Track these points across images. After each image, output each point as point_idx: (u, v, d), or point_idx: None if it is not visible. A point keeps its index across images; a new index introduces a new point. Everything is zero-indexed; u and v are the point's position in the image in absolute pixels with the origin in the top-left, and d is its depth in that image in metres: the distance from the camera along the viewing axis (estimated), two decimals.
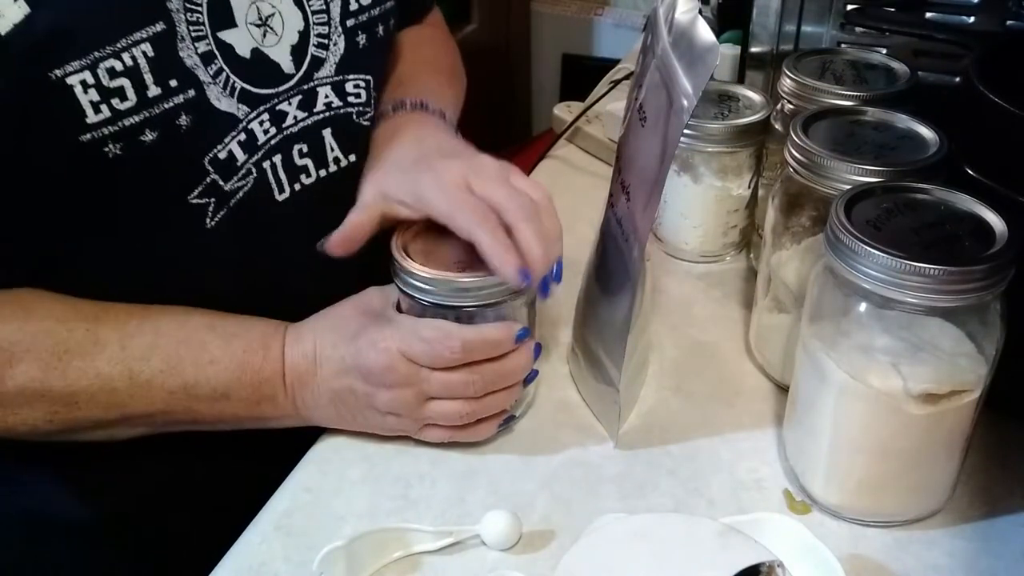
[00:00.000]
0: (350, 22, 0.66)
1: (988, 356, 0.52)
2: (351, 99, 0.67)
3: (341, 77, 0.66)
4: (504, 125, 2.09)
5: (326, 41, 0.65)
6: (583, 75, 1.52)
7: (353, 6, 0.66)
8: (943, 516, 0.58)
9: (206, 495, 0.71)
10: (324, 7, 0.64)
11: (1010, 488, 0.60)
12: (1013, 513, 0.58)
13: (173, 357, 0.60)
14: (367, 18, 0.67)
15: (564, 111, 1.07)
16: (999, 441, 0.62)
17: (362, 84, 0.68)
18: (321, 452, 0.64)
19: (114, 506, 0.70)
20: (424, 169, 0.61)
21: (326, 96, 0.66)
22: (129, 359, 0.59)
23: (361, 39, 0.67)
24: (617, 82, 1.11)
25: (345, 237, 0.62)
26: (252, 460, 0.66)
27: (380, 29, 0.69)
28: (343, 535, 0.54)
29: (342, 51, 0.66)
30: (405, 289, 0.60)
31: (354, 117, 0.68)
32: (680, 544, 0.47)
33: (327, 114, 0.66)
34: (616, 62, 1.24)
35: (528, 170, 1.00)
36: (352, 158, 0.68)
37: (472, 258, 0.59)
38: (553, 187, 0.95)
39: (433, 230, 0.61)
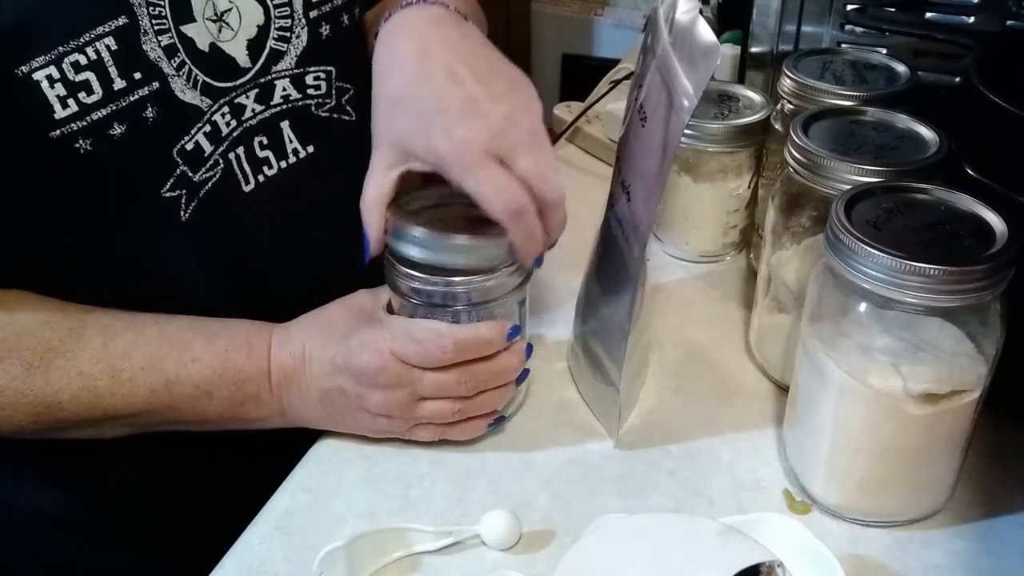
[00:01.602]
0: (313, 13, 0.66)
1: (988, 356, 0.52)
2: (310, 91, 0.67)
3: (301, 70, 0.66)
4: None
5: (288, 34, 0.65)
6: (583, 75, 1.52)
7: None
8: (943, 516, 0.58)
9: (194, 493, 0.71)
10: (287, 0, 0.64)
11: (1010, 488, 0.60)
12: (1013, 513, 0.58)
13: (155, 355, 0.60)
14: (330, 8, 0.67)
15: (564, 111, 1.07)
16: (999, 441, 0.62)
17: (323, 76, 0.68)
18: (321, 452, 0.64)
19: (102, 501, 0.70)
20: (437, 125, 0.54)
21: (284, 89, 0.66)
22: (111, 357, 0.59)
23: (325, 30, 0.67)
24: (617, 82, 1.11)
25: (373, 226, 0.58)
26: (241, 459, 0.66)
27: (345, 18, 0.68)
28: (343, 535, 0.54)
29: (305, 43, 0.66)
30: (397, 288, 0.60)
31: (312, 109, 0.68)
32: (680, 544, 0.47)
33: (284, 107, 0.66)
34: (616, 62, 1.24)
35: None
36: (311, 149, 0.68)
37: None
38: None
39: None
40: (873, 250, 0.49)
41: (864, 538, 0.57)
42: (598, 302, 0.65)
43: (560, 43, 2.18)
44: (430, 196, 0.61)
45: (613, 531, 0.49)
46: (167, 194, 0.61)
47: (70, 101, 0.54)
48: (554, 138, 1.06)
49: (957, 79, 0.77)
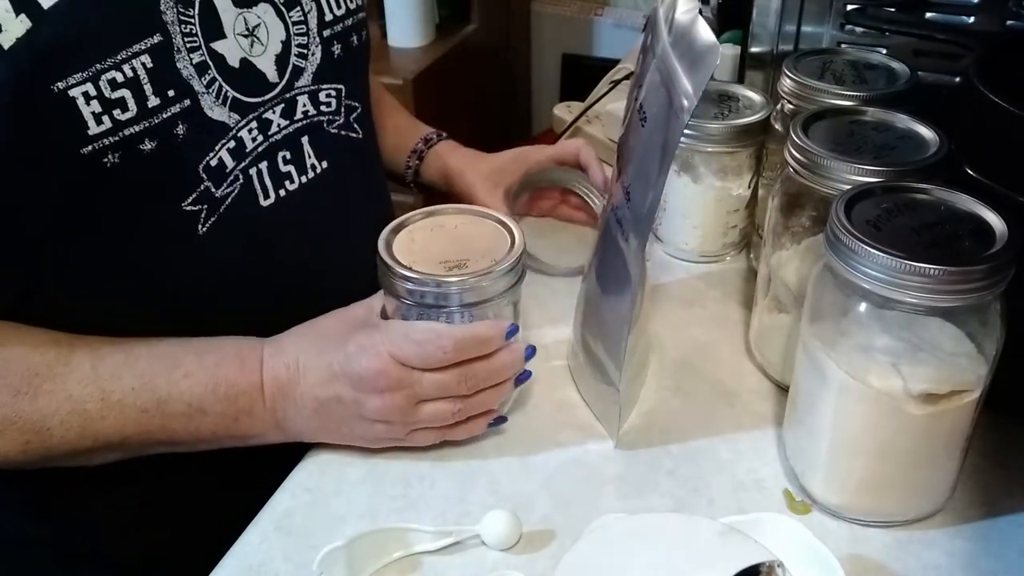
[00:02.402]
0: (326, 32, 0.67)
1: (988, 356, 0.52)
2: (323, 108, 0.68)
3: (316, 86, 0.67)
4: (504, 125, 2.09)
5: (305, 51, 0.66)
6: (583, 75, 1.52)
7: (328, 16, 0.67)
8: (943, 516, 0.58)
9: (184, 515, 0.70)
10: (303, 18, 0.65)
11: (1010, 488, 0.60)
12: (1013, 513, 0.58)
13: (146, 373, 0.59)
14: (341, 28, 0.68)
15: (564, 111, 1.07)
16: (999, 441, 0.62)
17: (333, 93, 0.69)
18: (321, 452, 0.64)
19: (90, 527, 0.69)
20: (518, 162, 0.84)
21: (304, 105, 0.67)
22: (100, 379, 0.58)
23: (336, 49, 0.68)
24: (617, 82, 1.11)
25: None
26: (231, 479, 0.65)
27: (354, 39, 0.70)
28: (343, 535, 0.54)
29: (319, 61, 0.67)
30: (391, 290, 0.60)
31: (325, 125, 0.69)
32: (680, 544, 0.47)
33: (304, 122, 0.67)
34: (616, 62, 1.24)
35: None
36: (325, 164, 0.69)
37: (459, 258, 0.59)
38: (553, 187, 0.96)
39: (419, 231, 0.62)
40: (873, 250, 0.49)
41: (864, 538, 0.57)
42: (598, 302, 0.65)
43: (560, 43, 2.17)
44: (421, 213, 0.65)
45: (613, 531, 0.49)
46: (187, 208, 0.61)
47: (104, 118, 0.54)
48: (554, 138, 1.06)
49: (957, 79, 0.77)
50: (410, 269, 0.58)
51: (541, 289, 0.79)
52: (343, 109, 0.70)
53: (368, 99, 0.75)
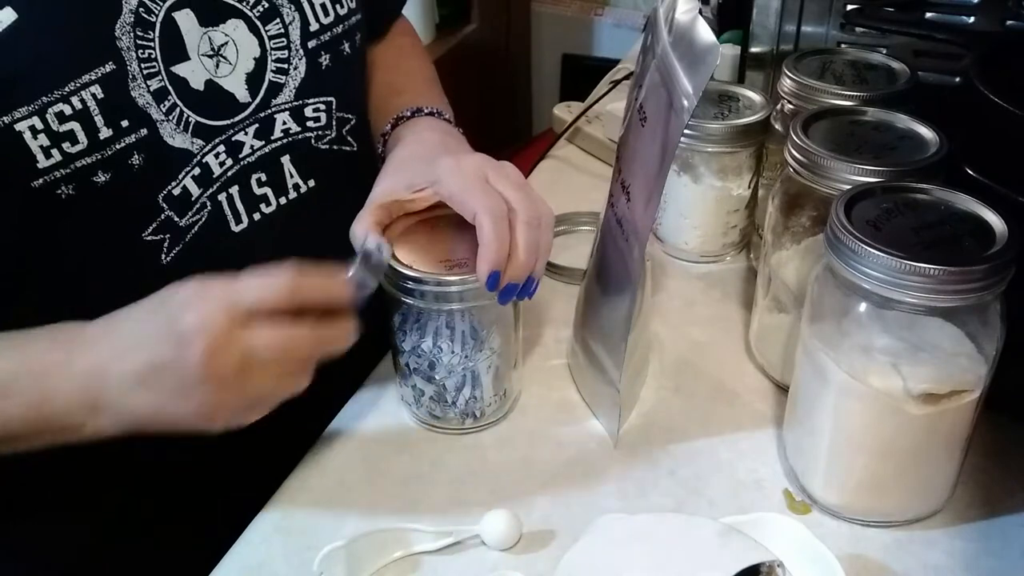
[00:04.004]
0: (311, 43, 0.64)
1: (988, 356, 0.53)
2: (310, 123, 0.66)
3: (301, 102, 0.64)
4: (504, 125, 2.09)
5: (285, 66, 0.63)
6: (583, 75, 1.52)
7: (314, 27, 0.64)
8: (943, 516, 0.58)
9: (152, 551, 0.69)
10: (282, 31, 0.62)
11: (1010, 488, 0.60)
12: (1013, 513, 0.58)
13: None
14: (330, 37, 0.65)
15: (564, 111, 1.07)
16: (999, 441, 0.62)
17: (322, 107, 0.66)
18: (321, 452, 0.64)
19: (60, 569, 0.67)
20: (445, 156, 0.61)
21: (284, 123, 0.64)
22: None
23: (324, 60, 0.65)
24: (617, 82, 1.11)
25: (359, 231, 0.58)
26: (202, 510, 0.64)
27: (346, 47, 0.67)
28: (343, 535, 0.54)
29: (303, 75, 0.64)
30: (391, 288, 0.60)
31: (313, 142, 0.67)
32: (680, 544, 0.47)
33: (285, 141, 0.64)
34: (616, 62, 1.24)
35: (528, 170, 1.00)
36: (311, 183, 0.67)
37: (459, 257, 0.59)
38: (553, 187, 0.96)
39: (419, 231, 0.62)
40: (873, 250, 0.49)
41: (864, 538, 0.57)
42: (598, 302, 0.65)
43: (560, 43, 2.17)
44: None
45: (613, 531, 0.49)
46: (148, 237, 0.59)
47: (53, 151, 0.53)
48: (554, 138, 1.06)
49: (957, 79, 0.77)
50: (411, 268, 0.58)
51: (541, 289, 0.79)
52: (334, 123, 0.67)
53: (365, 107, 0.72)
